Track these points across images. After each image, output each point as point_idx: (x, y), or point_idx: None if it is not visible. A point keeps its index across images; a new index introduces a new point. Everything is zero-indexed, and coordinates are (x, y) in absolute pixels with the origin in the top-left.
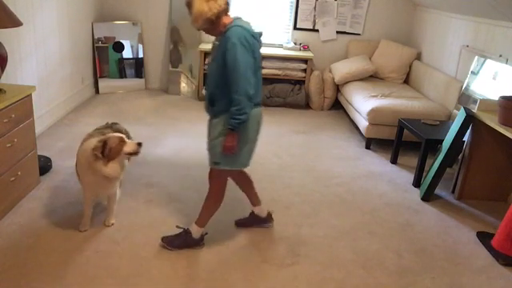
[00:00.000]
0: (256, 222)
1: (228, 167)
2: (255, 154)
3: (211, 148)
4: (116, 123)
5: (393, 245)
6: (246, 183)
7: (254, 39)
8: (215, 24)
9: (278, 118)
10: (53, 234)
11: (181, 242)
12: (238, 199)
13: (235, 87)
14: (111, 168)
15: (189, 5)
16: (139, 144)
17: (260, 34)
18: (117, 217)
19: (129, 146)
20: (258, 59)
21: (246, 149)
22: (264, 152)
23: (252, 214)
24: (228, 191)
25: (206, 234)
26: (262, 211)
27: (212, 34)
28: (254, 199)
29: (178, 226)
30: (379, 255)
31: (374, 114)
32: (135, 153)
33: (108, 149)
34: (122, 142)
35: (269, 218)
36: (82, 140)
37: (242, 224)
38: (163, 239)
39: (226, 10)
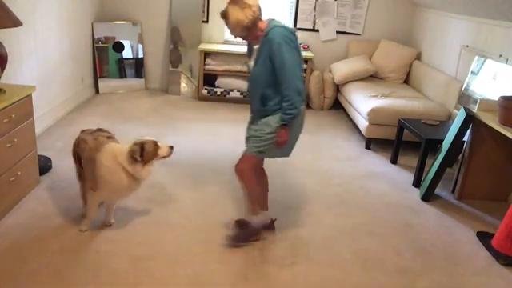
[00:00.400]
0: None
1: (270, 157)
2: None
3: (262, 140)
4: (101, 129)
5: (393, 245)
6: (263, 185)
7: (293, 36)
8: (252, 30)
9: None
10: (53, 234)
11: (245, 234)
12: (239, 199)
13: (285, 84)
14: (146, 171)
15: (225, 16)
16: (171, 147)
17: (295, 31)
18: (116, 217)
19: (162, 150)
20: (300, 54)
21: (290, 142)
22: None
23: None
24: (232, 191)
25: (275, 219)
26: (266, 217)
27: (250, 40)
28: (263, 203)
29: (236, 222)
30: (379, 255)
31: (373, 114)
32: (168, 156)
33: (145, 152)
34: (156, 145)
35: (271, 225)
36: (79, 144)
37: (242, 225)
38: (228, 239)
39: (260, 16)
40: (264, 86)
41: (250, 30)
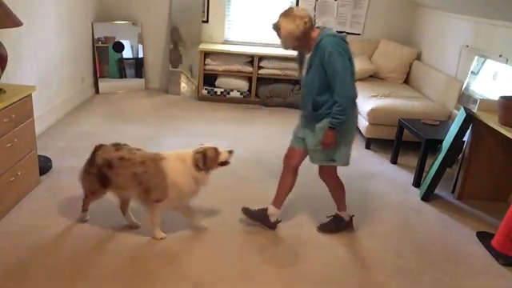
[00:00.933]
0: (339, 224)
1: (340, 164)
2: (255, 154)
3: (312, 147)
4: (117, 143)
5: (393, 245)
6: (339, 187)
7: (345, 43)
8: (304, 40)
9: (278, 118)
10: (53, 234)
11: (333, 227)
12: (244, 200)
13: (338, 91)
14: (208, 177)
15: (277, 28)
16: (230, 152)
17: (346, 37)
18: (117, 217)
19: (223, 155)
20: (352, 61)
21: (348, 147)
22: (264, 152)
23: (336, 215)
24: (233, 191)
25: (353, 215)
26: (346, 215)
27: (303, 50)
28: (341, 204)
29: (328, 216)
30: (379, 255)
31: (373, 114)
32: (228, 162)
33: (208, 159)
34: (217, 152)
35: (350, 223)
36: (111, 164)
37: (325, 229)
38: (319, 228)
39: (311, 26)
40: (316, 93)
41: (301, 41)
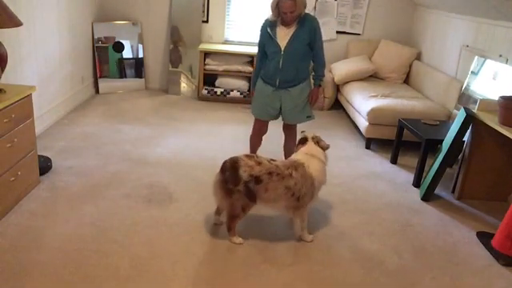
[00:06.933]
0: None
1: (313, 118)
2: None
3: (303, 107)
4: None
5: (393, 245)
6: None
7: None
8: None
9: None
10: (53, 234)
11: None
12: None
13: (320, 57)
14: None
15: None
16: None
17: None
18: (116, 217)
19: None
20: None
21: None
22: (264, 152)
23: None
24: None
25: None
26: None
27: (292, 20)
28: (290, 155)
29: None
30: (379, 255)
31: (373, 114)
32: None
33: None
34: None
35: None
36: (259, 178)
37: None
38: None
39: None
40: (300, 60)
41: (303, 11)
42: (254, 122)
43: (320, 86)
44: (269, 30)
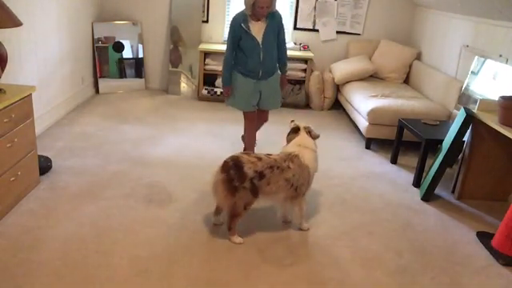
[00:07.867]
0: None
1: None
2: None
3: (279, 93)
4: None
5: (393, 245)
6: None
7: None
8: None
9: (277, 118)
10: (53, 234)
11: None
12: None
13: (284, 47)
14: None
15: None
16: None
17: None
18: (117, 217)
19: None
20: None
21: None
22: (264, 152)
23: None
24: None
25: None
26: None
27: (265, 15)
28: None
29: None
30: (379, 255)
31: (373, 114)
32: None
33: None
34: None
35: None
36: (262, 174)
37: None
38: None
39: None
40: (273, 51)
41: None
42: (244, 119)
43: (286, 71)
44: (243, 25)
